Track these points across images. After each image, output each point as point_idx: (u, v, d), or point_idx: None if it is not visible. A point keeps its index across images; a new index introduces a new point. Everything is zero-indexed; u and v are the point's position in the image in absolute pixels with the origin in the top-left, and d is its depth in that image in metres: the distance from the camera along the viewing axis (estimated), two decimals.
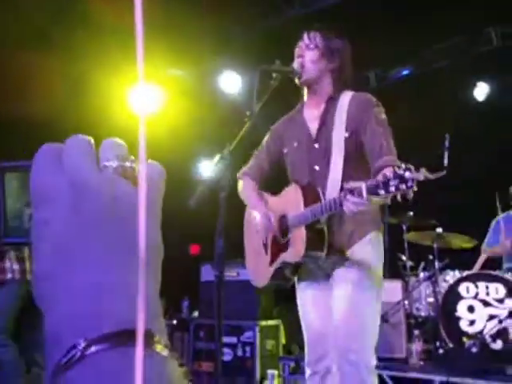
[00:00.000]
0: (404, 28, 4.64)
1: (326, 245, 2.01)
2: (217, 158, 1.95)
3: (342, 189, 2.00)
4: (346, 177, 2.04)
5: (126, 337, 0.32)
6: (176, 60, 5.39)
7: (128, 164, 0.38)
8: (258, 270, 2.30)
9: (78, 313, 0.33)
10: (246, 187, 2.35)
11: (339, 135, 2.08)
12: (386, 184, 1.67)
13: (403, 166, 1.66)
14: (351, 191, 1.75)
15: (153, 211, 0.38)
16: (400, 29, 4.65)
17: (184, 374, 0.34)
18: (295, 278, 2.23)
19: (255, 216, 2.26)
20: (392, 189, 1.66)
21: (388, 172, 1.68)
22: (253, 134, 2.21)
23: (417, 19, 4.56)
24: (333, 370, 2.05)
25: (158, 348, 0.33)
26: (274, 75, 2.07)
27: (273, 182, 2.43)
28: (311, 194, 2.05)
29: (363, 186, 1.73)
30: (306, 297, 2.18)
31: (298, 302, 2.23)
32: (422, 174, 1.63)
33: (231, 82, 5.57)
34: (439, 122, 4.66)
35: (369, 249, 2.07)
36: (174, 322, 4.54)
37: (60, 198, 0.36)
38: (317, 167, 2.12)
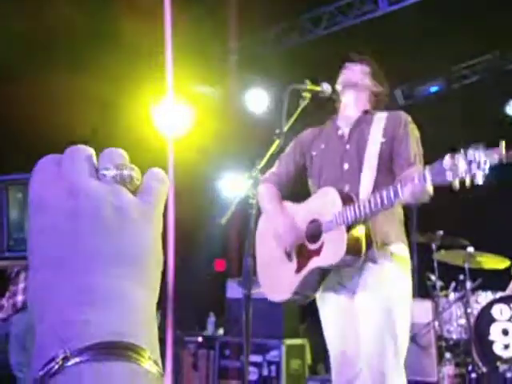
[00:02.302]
0: (432, 44, 4.61)
1: (365, 248, 1.96)
2: (246, 176, 1.97)
3: (375, 186, 2.01)
4: (378, 175, 2.04)
5: (109, 349, 0.31)
6: (203, 78, 5.49)
7: (126, 172, 0.38)
8: (277, 281, 2.20)
9: (63, 323, 0.32)
10: (263, 193, 2.25)
11: (376, 139, 2.10)
12: (454, 167, 1.56)
13: (472, 147, 1.56)
14: (412, 179, 1.68)
15: (151, 220, 0.38)
16: (428, 45, 4.62)
17: None
18: (316, 295, 2.16)
19: (274, 224, 2.19)
20: (461, 172, 1.54)
21: (452, 155, 1.58)
22: (282, 152, 2.22)
23: (446, 35, 4.52)
24: None
25: (145, 364, 0.32)
26: (304, 94, 2.09)
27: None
28: (348, 197, 2.02)
29: (426, 170, 1.65)
30: (330, 317, 2.12)
31: (323, 323, 2.17)
32: (498, 152, 1.50)
33: (258, 100, 5.62)
34: (470, 138, 4.57)
35: (396, 265, 2.01)
36: (200, 339, 4.53)
37: (57, 206, 0.36)
38: (346, 165, 2.12)
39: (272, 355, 4.18)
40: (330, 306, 2.12)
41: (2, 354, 3.21)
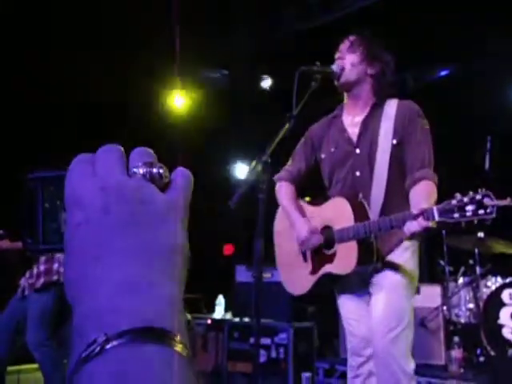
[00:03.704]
0: (443, 28, 4.53)
1: (375, 257, 2.01)
2: (256, 159, 1.96)
3: (386, 196, 2.02)
4: (389, 184, 2.03)
5: (144, 333, 0.33)
6: (212, 62, 5.45)
7: (155, 170, 0.40)
8: (295, 278, 2.27)
9: (100, 309, 0.35)
10: (282, 193, 2.32)
11: (386, 142, 2.06)
12: (461, 208, 1.62)
13: (481, 191, 1.61)
14: (420, 213, 1.72)
15: (179, 215, 0.41)
16: (438, 29, 4.54)
17: (198, 374, 0.36)
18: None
19: (292, 225, 2.22)
20: (469, 214, 1.61)
21: (460, 196, 1.64)
22: (292, 135, 2.20)
23: (456, 19, 4.44)
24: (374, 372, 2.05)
25: (177, 347, 0.34)
26: (314, 76, 2.06)
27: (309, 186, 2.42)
28: (360, 210, 2.02)
29: (434, 208, 1.69)
30: (349, 306, 2.18)
31: (341, 310, 2.23)
32: (508, 202, 1.59)
33: (268, 84, 5.58)
34: (480, 123, 4.52)
35: (407, 254, 2.06)
36: (209, 321, 4.58)
37: (91, 202, 0.38)
38: (358, 173, 2.10)
39: (280, 338, 4.22)
40: (349, 299, 2.18)
41: (20, 335, 3.26)
